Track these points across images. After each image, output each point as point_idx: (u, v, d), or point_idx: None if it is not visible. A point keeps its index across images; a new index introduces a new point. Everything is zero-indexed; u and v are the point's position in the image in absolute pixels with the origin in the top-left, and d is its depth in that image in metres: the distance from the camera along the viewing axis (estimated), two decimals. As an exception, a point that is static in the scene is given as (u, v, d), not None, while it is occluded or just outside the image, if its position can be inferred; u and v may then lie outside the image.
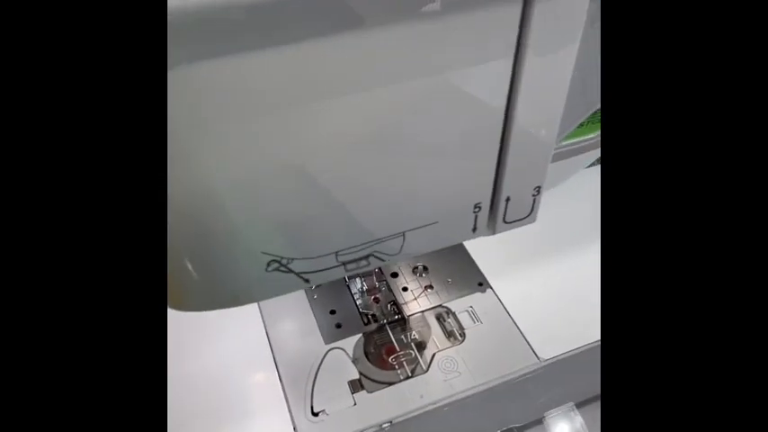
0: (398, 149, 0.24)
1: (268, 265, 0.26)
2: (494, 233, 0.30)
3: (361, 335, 0.48)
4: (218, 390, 0.45)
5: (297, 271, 0.26)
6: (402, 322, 0.49)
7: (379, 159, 0.24)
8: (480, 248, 0.53)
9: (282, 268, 0.26)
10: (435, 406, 0.44)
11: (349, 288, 0.51)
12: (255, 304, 0.49)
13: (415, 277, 0.52)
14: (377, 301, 0.50)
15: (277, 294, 0.28)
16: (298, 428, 0.42)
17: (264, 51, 0.19)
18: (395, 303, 0.50)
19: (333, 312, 0.50)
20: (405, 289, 0.52)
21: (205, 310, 0.27)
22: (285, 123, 0.22)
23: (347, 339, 0.48)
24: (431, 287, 0.52)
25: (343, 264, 0.27)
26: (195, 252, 0.25)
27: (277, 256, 0.26)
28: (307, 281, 0.27)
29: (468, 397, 0.44)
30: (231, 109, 0.21)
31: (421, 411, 0.43)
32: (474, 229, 0.29)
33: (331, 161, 0.24)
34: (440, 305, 0.50)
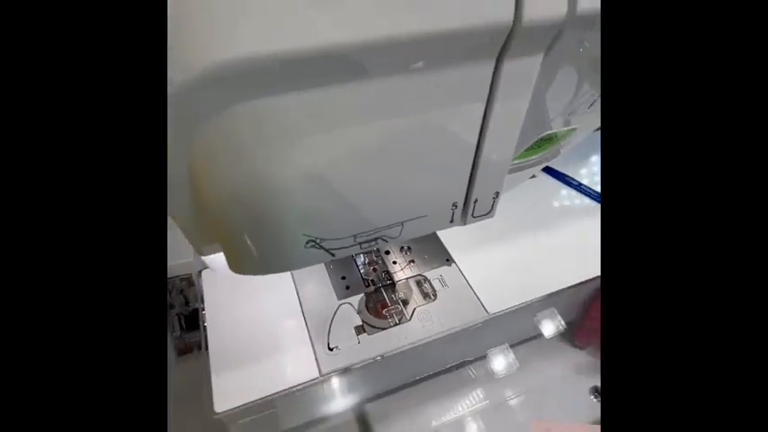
0: (402, 164, 0.24)
1: (306, 243, 0.25)
2: (464, 224, 0.30)
3: (363, 294, 0.48)
4: (264, 330, 0.45)
5: (326, 248, 0.26)
6: (392, 286, 0.49)
7: (388, 171, 0.24)
8: (447, 235, 0.52)
9: (316, 246, 0.26)
10: (415, 344, 0.43)
11: (355, 261, 0.51)
12: (289, 272, 0.49)
13: (402, 254, 0.52)
14: (374, 270, 0.50)
15: (310, 264, 0.28)
16: (318, 359, 0.42)
17: (313, 91, 0.19)
18: (387, 272, 0.50)
19: (343, 278, 0.49)
20: (394, 262, 0.51)
21: (259, 274, 0.27)
22: (319, 145, 0.21)
23: (353, 297, 0.47)
24: (413, 261, 0.51)
25: (359, 243, 0.27)
26: (255, 232, 0.24)
27: (313, 237, 0.25)
28: (333, 255, 0.27)
29: (437, 339, 0.44)
30: (282, 133, 0.21)
31: (405, 348, 0.43)
32: (451, 221, 0.29)
33: (354, 173, 0.23)
34: (419, 274, 0.50)
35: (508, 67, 0.21)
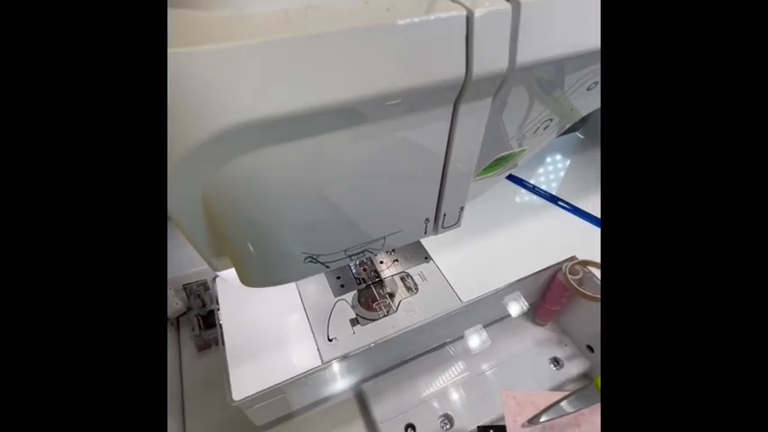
0: (383, 192, 0.25)
1: (305, 259, 0.26)
2: (436, 234, 0.31)
3: (356, 291, 0.48)
4: (272, 327, 0.45)
5: (322, 261, 0.27)
6: (380, 282, 0.50)
7: (371, 198, 0.25)
8: (426, 239, 0.53)
9: (313, 261, 0.27)
10: (401, 332, 0.44)
11: (347, 263, 0.51)
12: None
13: (387, 255, 0.53)
14: (365, 269, 0.51)
15: (308, 276, 0.29)
16: (320, 349, 0.43)
17: (307, 140, 0.20)
18: (375, 271, 0.51)
19: (338, 278, 0.50)
20: (381, 262, 0.52)
21: (265, 286, 0.28)
22: (312, 183, 0.22)
23: (347, 294, 0.48)
24: (397, 260, 0.52)
25: (349, 256, 0.28)
26: (263, 254, 0.25)
27: (311, 254, 0.26)
28: (328, 267, 0.28)
29: (420, 326, 0.45)
30: (282, 177, 0.21)
31: (393, 335, 0.44)
32: (425, 233, 0.30)
33: (344, 201, 0.24)
34: (402, 271, 0.51)
35: (464, 108, 0.23)
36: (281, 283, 0.28)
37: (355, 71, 0.18)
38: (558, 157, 0.67)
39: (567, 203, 0.56)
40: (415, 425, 0.50)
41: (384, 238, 0.28)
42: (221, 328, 0.54)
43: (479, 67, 0.20)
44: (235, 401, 0.40)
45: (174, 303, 0.56)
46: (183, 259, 0.59)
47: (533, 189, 0.60)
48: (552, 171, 0.64)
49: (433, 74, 0.20)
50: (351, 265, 0.51)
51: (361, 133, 0.21)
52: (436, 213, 0.29)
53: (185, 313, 0.59)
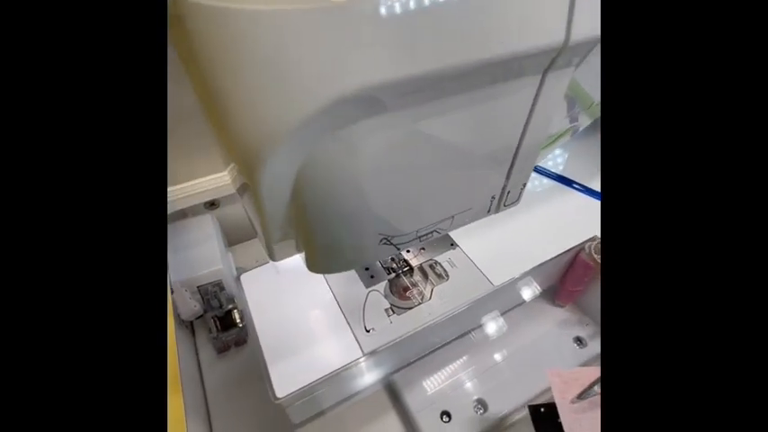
0: (458, 168, 0.25)
1: (380, 241, 0.25)
2: (497, 213, 0.31)
3: (386, 281, 0.48)
4: (306, 322, 0.44)
5: (395, 243, 0.26)
6: (410, 271, 0.49)
7: (446, 176, 0.25)
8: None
9: (387, 242, 0.26)
10: (440, 318, 0.44)
11: (375, 253, 0.50)
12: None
13: (413, 243, 0.52)
14: (393, 259, 0.50)
15: (380, 259, 0.28)
16: (359, 340, 0.42)
17: (403, 112, 0.19)
18: (404, 260, 0.50)
19: (367, 269, 0.49)
20: (408, 251, 0.51)
21: (338, 272, 0.27)
22: (406, 153, 0.22)
23: (379, 284, 0.47)
24: (423, 248, 0.51)
25: (419, 237, 0.27)
26: (344, 236, 0.24)
27: (386, 235, 0.25)
28: (398, 249, 0.27)
29: (454, 314, 0.45)
30: (369, 152, 0.21)
31: (432, 322, 0.44)
32: (488, 211, 0.30)
33: (426, 175, 0.24)
34: (430, 259, 0.50)
35: (550, 78, 0.22)
36: (352, 267, 0.27)
37: (471, 35, 0.17)
38: (567, 141, 0.68)
39: (581, 185, 0.58)
40: (450, 412, 0.49)
41: (453, 217, 0.28)
42: (245, 327, 0.53)
43: (577, 33, 0.20)
44: (279, 399, 0.38)
45: (192, 305, 0.53)
46: (195, 260, 0.56)
47: (548, 173, 0.61)
48: (561, 155, 0.65)
49: (537, 39, 0.19)
50: (379, 255, 0.50)
51: (453, 104, 0.21)
52: (502, 190, 0.28)
53: (201, 315, 0.56)
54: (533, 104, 0.23)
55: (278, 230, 0.24)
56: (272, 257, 0.28)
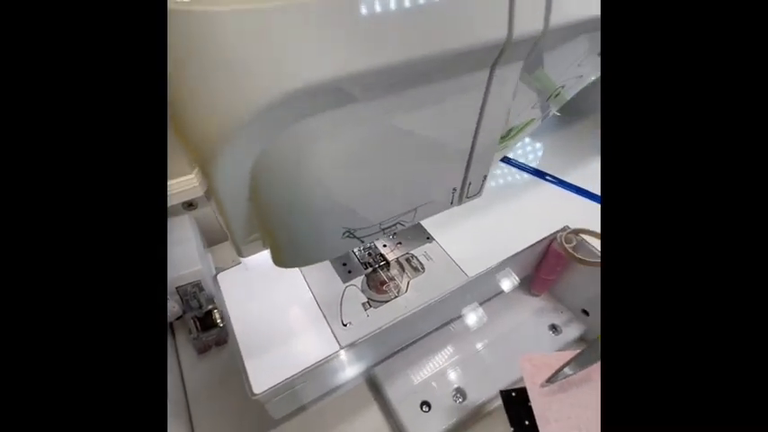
0: (418, 162, 0.25)
1: (343, 234, 0.26)
2: (459, 205, 0.31)
3: (363, 275, 0.48)
4: (284, 318, 0.45)
5: (358, 236, 0.27)
6: (387, 265, 0.50)
7: (407, 169, 0.25)
8: (424, 221, 0.54)
9: (351, 236, 0.27)
10: (415, 310, 0.45)
11: (352, 249, 0.51)
12: (297, 269, 0.48)
13: (390, 238, 0.53)
14: (369, 254, 0.51)
15: (343, 252, 0.28)
16: (336, 334, 0.43)
17: (348, 107, 0.20)
18: (380, 254, 0.51)
19: (344, 264, 0.50)
20: (384, 245, 0.52)
21: (302, 266, 0.27)
22: (353, 152, 0.22)
23: (356, 279, 0.48)
24: (400, 243, 0.52)
25: (383, 230, 0.28)
26: (304, 230, 0.25)
27: (349, 229, 0.26)
28: (362, 241, 0.28)
29: (432, 303, 0.46)
30: (326, 147, 0.21)
31: (407, 315, 0.44)
32: (451, 203, 0.30)
33: (382, 173, 0.24)
34: (407, 252, 0.51)
35: (499, 72, 0.23)
36: (317, 261, 0.28)
37: (410, 32, 0.18)
38: (540, 134, 0.70)
39: (554, 177, 0.59)
40: (430, 402, 0.50)
41: (415, 209, 0.29)
42: (224, 327, 0.53)
43: (520, 29, 0.21)
44: (256, 395, 0.38)
45: (171, 306, 0.53)
46: (174, 261, 0.56)
47: (522, 166, 0.62)
48: (534, 149, 0.67)
49: (479, 35, 0.20)
50: (356, 250, 0.51)
51: (408, 99, 0.21)
52: (463, 183, 0.29)
53: (181, 316, 0.56)
54: (485, 98, 0.24)
55: (242, 228, 0.25)
56: (240, 254, 0.28)
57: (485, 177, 0.30)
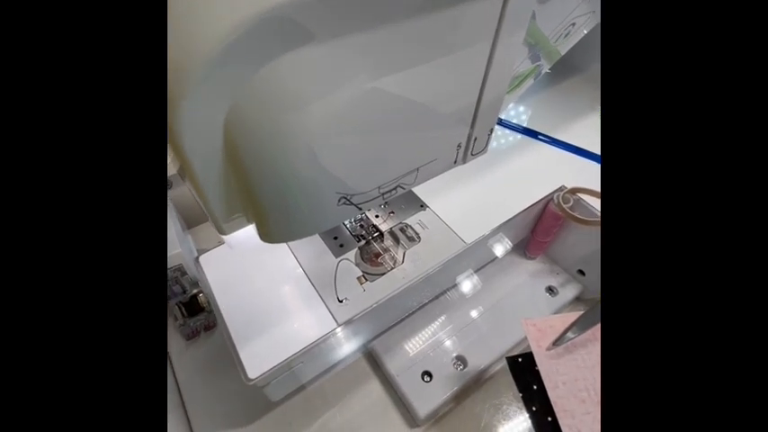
0: (420, 113, 0.22)
1: (339, 201, 0.23)
2: (464, 163, 0.28)
3: (356, 249, 0.46)
4: (274, 298, 0.42)
5: (355, 203, 0.24)
6: (381, 236, 0.47)
7: (408, 122, 0.22)
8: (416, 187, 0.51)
9: (347, 202, 0.23)
10: (413, 281, 0.43)
11: (343, 222, 0.48)
12: (285, 245, 0.45)
13: (382, 208, 0.50)
14: (362, 226, 0.48)
15: (340, 222, 0.25)
16: (332, 311, 0.40)
17: (340, 40, 0.16)
18: (373, 226, 0.48)
19: (335, 238, 0.47)
20: (377, 216, 0.49)
21: (293, 239, 0.24)
22: (346, 99, 0.19)
23: (349, 252, 0.45)
24: (393, 212, 0.49)
25: (382, 194, 0.25)
26: (293, 196, 0.21)
27: (344, 194, 0.23)
28: (360, 209, 0.24)
29: (429, 275, 0.44)
30: (313, 87, 0.17)
31: (405, 285, 0.42)
32: (455, 161, 0.27)
33: (383, 120, 0.21)
34: (400, 222, 0.48)
35: (512, 4, 0.20)
36: (310, 234, 0.24)
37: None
38: (528, 93, 0.67)
39: (546, 136, 0.56)
40: (431, 371, 0.49)
41: (417, 170, 0.25)
42: (211, 311, 0.49)
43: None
44: (251, 380, 0.36)
45: (152, 293, 0.49)
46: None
47: (513, 126, 0.59)
48: (525, 106, 0.64)
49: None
50: (346, 223, 0.48)
51: (404, 34, 0.18)
52: (468, 137, 0.26)
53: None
54: (495, 36, 0.21)
55: (219, 198, 0.21)
56: (221, 231, 0.25)
57: (491, 131, 0.27)
